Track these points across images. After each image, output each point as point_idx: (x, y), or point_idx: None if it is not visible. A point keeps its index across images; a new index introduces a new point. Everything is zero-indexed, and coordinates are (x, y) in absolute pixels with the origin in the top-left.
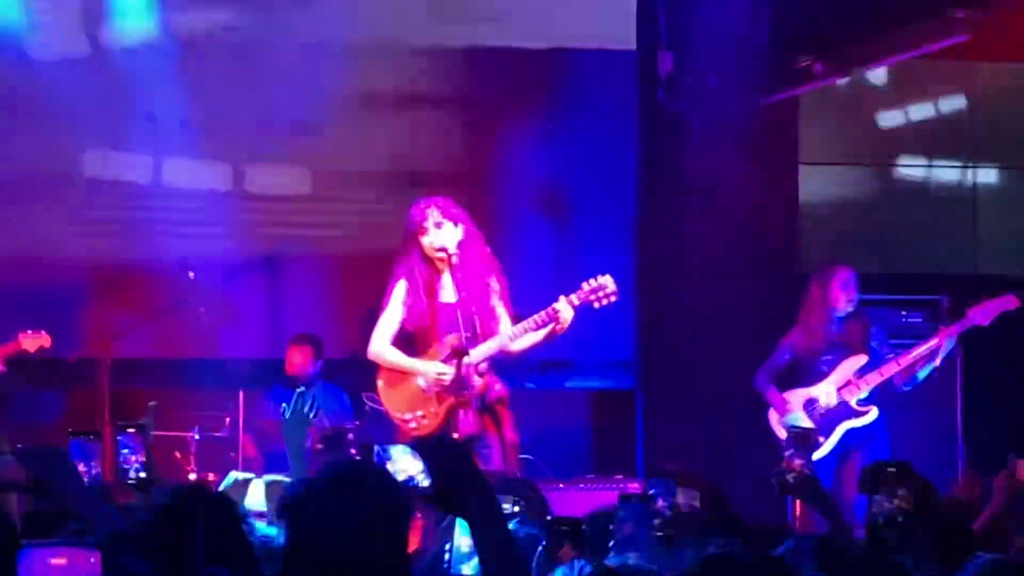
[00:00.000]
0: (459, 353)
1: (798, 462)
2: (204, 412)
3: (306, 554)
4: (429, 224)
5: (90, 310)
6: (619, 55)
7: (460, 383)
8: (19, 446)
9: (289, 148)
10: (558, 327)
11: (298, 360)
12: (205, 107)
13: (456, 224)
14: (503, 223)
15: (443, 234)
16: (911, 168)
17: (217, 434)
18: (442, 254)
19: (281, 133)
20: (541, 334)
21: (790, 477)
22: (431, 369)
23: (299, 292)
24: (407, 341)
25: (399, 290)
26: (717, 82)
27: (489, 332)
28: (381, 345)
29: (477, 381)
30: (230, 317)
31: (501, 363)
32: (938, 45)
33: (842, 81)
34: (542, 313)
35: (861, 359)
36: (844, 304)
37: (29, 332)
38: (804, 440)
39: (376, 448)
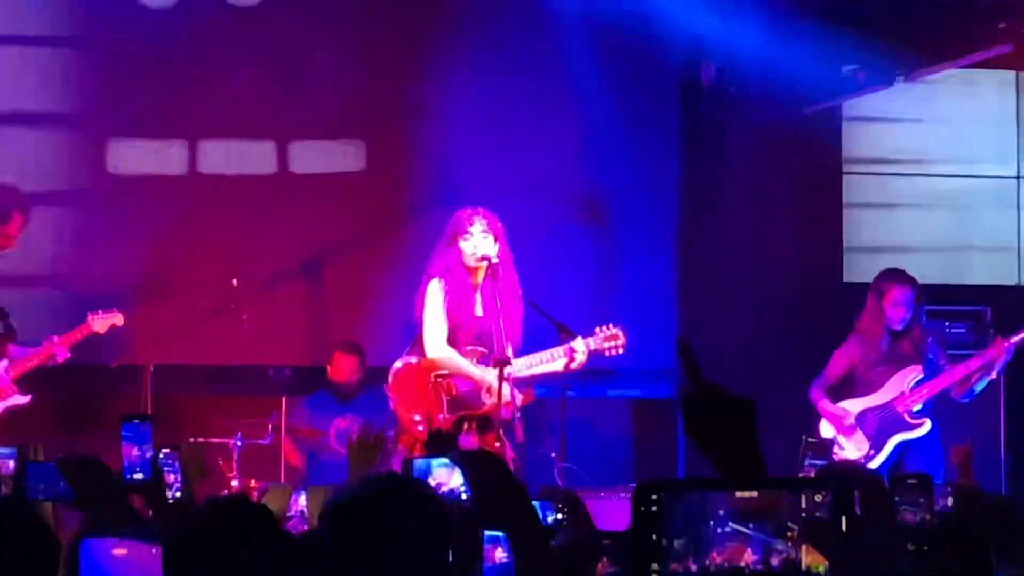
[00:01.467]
0: (501, 364)
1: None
2: (246, 419)
3: (348, 566)
4: (475, 230)
5: (132, 316)
6: (663, 65)
7: (474, 398)
8: (58, 456)
9: (331, 156)
10: (573, 364)
11: (344, 368)
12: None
13: (496, 241)
14: (545, 233)
15: (486, 243)
16: (955, 178)
17: (259, 441)
18: (483, 263)
19: (323, 140)
20: (552, 367)
21: None
22: (487, 379)
23: (342, 299)
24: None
25: (436, 288)
26: (760, 92)
27: (502, 353)
28: (441, 348)
29: (488, 400)
30: (273, 324)
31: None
32: (982, 55)
33: (885, 90)
34: (559, 349)
35: (915, 371)
36: (899, 319)
37: (100, 312)
38: (816, 449)
39: (416, 461)
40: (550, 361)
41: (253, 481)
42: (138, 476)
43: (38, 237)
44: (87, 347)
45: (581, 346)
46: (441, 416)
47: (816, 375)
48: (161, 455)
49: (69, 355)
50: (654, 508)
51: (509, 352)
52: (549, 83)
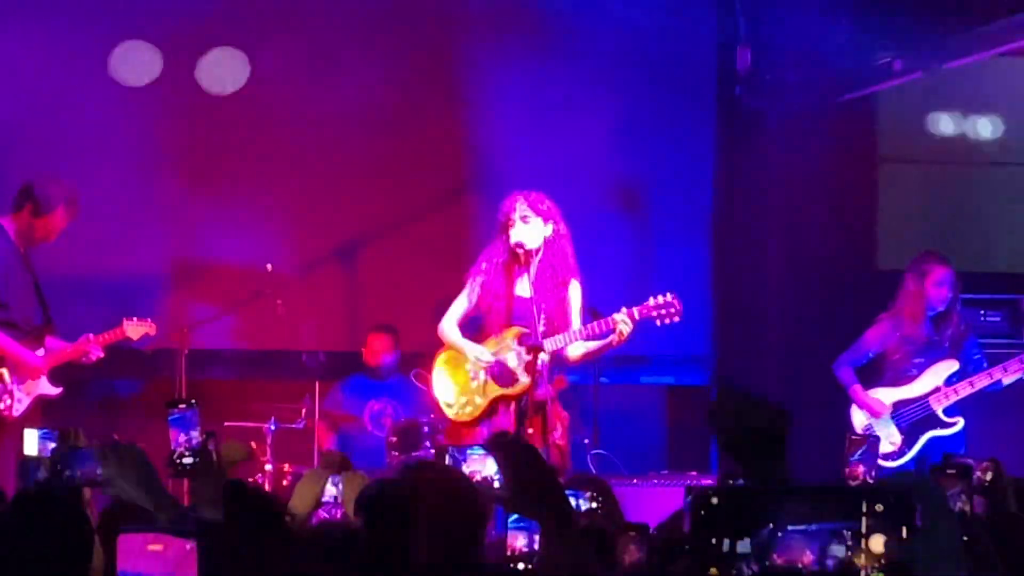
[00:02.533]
0: (535, 349)
1: (861, 469)
2: (280, 403)
3: (384, 551)
4: (516, 217)
5: (167, 301)
6: (697, 50)
7: (509, 378)
8: (95, 442)
9: (362, 142)
10: (615, 339)
11: (379, 347)
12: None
13: (546, 221)
14: (580, 220)
15: (527, 230)
16: (991, 167)
17: (293, 426)
18: (526, 246)
19: (353, 125)
20: (597, 344)
21: (852, 484)
22: (472, 350)
23: (376, 285)
24: (476, 325)
25: (475, 273)
26: (795, 78)
27: (553, 333)
28: (448, 324)
29: (523, 378)
30: (307, 309)
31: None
32: (1018, 43)
33: (921, 77)
34: (600, 323)
35: (952, 365)
36: (939, 302)
37: (135, 320)
38: (866, 446)
39: (451, 449)
40: (587, 337)
41: (287, 465)
42: (187, 460)
43: (76, 222)
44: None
45: (623, 316)
46: (477, 399)
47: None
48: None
49: (103, 355)
50: (713, 512)
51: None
52: (584, 70)
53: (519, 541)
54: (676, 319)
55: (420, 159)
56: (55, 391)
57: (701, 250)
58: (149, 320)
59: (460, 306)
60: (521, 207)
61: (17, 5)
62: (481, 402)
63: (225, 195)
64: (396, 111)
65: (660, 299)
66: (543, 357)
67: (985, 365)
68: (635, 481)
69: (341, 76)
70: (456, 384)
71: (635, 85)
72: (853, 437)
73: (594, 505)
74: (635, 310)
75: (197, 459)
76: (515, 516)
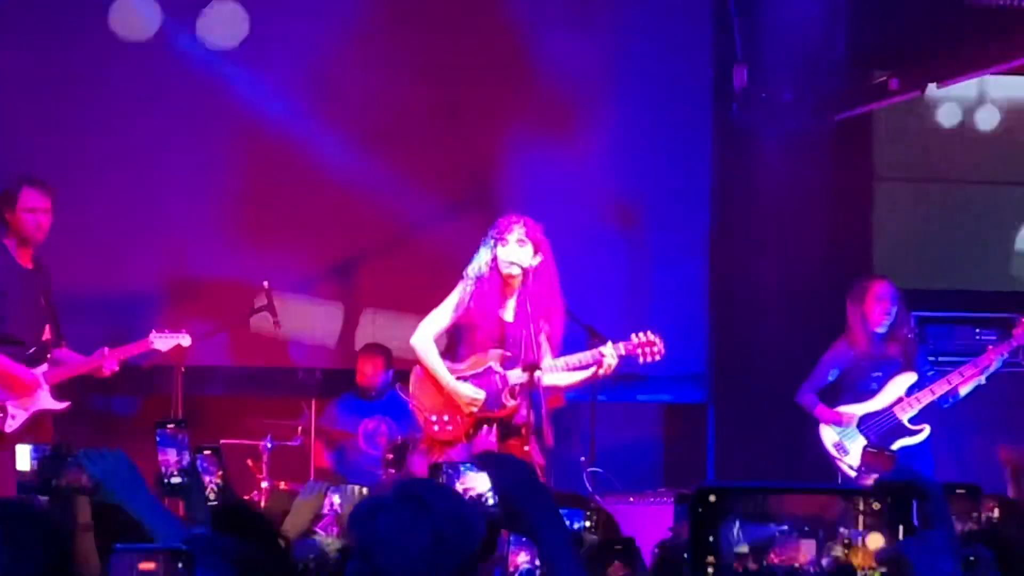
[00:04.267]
0: (531, 367)
1: (870, 481)
2: (276, 421)
3: (373, 572)
4: (512, 237)
5: (163, 318)
6: (694, 69)
7: (494, 400)
8: (80, 449)
9: (362, 159)
10: (600, 371)
11: (369, 370)
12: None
13: (536, 251)
14: (577, 237)
15: (519, 252)
16: (986, 185)
17: (289, 443)
18: (515, 269)
19: (354, 141)
20: (583, 375)
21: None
22: (465, 395)
23: (373, 303)
24: (454, 337)
25: (460, 290)
26: (791, 97)
27: (530, 360)
28: (424, 340)
29: (509, 402)
30: (304, 326)
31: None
32: (1014, 63)
33: (917, 97)
34: (587, 354)
35: (911, 376)
36: (879, 318)
37: (166, 331)
38: (880, 460)
39: (444, 466)
40: (575, 368)
41: (283, 483)
42: (175, 480)
43: (72, 238)
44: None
45: (610, 351)
46: (459, 418)
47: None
48: (198, 457)
49: (117, 368)
50: (711, 510)
51: (547, 360)
52: (582, 89)
53: (520, 557)
54: (657, 358)
55: (418, 178)
56: (60, 406)
57: (698, 268)
58: (184, 331)
59: (440, 321)
60: (519, 229)
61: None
62: (463, 421)
63: (221, 212)
64: (393, 129)
65: (643, 337)
66: (539, 375)
67: (931, 372)
68: (631, 499)
69: (338, 95)
70: (439, 400)
71: (632, 103)
72: (869, 450)
73: (588, 524)
74: (620, 346)
75: (186, 479)
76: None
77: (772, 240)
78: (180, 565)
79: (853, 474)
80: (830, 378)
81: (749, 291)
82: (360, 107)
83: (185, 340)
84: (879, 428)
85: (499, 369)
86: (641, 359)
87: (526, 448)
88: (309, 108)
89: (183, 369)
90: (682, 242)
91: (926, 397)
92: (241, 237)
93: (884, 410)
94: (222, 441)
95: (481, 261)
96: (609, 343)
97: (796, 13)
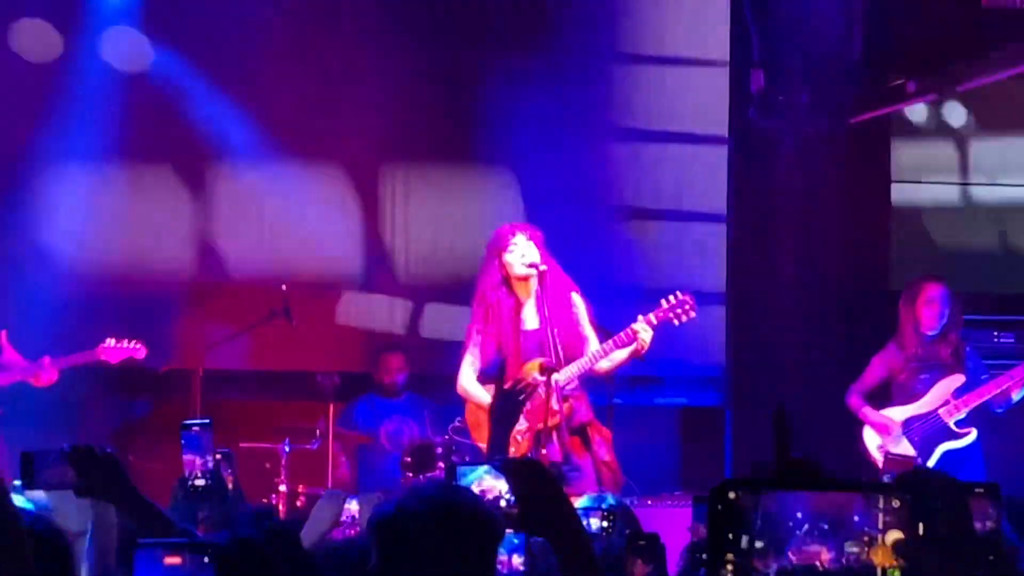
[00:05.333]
0: (548, 371)
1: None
2: (295, 424)
3: (395, 572)
4: (518, 241)
5: (182, 321)
6: (712, 72)
7: (544, 409)
8: (64, 446)
9: (374, 161)
10: (639, 347)
11: (391, 367)
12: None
13: (540, 252)
14: (594, 239)
15: (531, 251)
16: (1004, 187)
17: (307, 447)
18: (531, 270)
19: (365, 144)
20: (623, 354)
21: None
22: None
23: (389, 305)
24: (497, 368)
25: (477, 315)
26: (809, 99)
27: (573, 355)
28: (467, 382)
29: (560, 406)
30: (322, 330)
31: (591, 382)
32: None
33: (935, 100)
34: (621, 334)
35: (958, 379)
36: (931, 321)
37: (118, 342)
38: (902, 466)
39: (460, 468)
40: (613, 349)
41: (301, 487)
42: (199, 483)
43: (90, 240)
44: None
45: (641, 324)
46: (518, 437)
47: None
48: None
49: (56, 378)
50: (730, 507)
51: (594, 344)
52: (600, 92)
53: (514, 561)
54: (692, 315)
55: (433, 177)
56: None
57: (715, 271)
58: (137, 342)
59: (475, 358)
60: (521, 234)
61: None
62: (524, 441)
63: (240, 215)
64: (411, 129)
65: (672, 299)
66: (557, 378)
67: (985, 376)
68: (649, 502)
69: (356, 95)
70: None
71: (650, 107)
72: (891, 457)
73: (606, 524)
74: (651, 316)
75: (210, 481)
76: (511, 537)
77: (789, 243)
78: (205, 559)
79: None
80: (878, 380)
81: (766, 294)
82: (378, 107)
83: (139, 352)
84: (924, 431)
85: (540, 377)
86: (676, 320)
87: (544, 452)
88: (326, 109)
89: (201, 372)
90: (699, 245)
91: (973, 400)
92: (260, 240)
93: (929, 413)
94: (241, 445)
95: (487, 280)
96: (640, 317)
97: (813, 17)
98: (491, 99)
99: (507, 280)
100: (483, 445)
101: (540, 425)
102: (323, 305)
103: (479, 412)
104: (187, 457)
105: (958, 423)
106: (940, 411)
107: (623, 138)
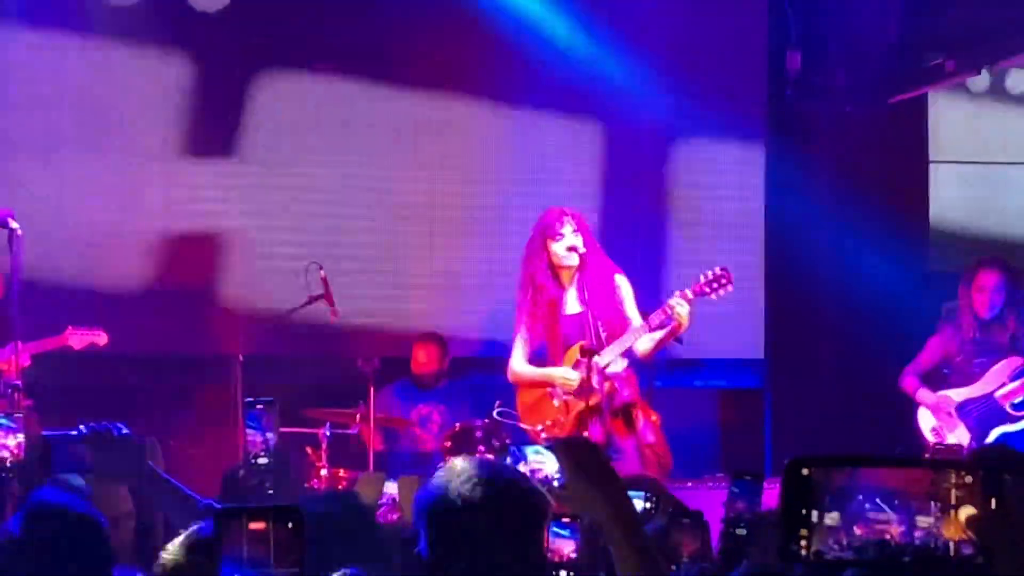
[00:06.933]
0: (588, 353)
1: None
2: (334, 409)
3: (443, 557)
4: (566, 230)
5: (224, 308)
6: (748, 53)
7: (587, 389)
8: (82, 427)
9: (418, 154)
10: (677, 324)
11: (424, 358)
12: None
13: (586, 239)
14: (632, 224)
15: (577, 240)
16: None
17: (348, 431)
18: (574, 255)
19: (414, 137)
20: (661, 333)
21: None
22: (557, 374)
23: (424, 293)
24: (542, 356)
25: (525, 300)
26: (846, 80)
27: (616, 337)
28: (518, 365)
29: (603, 386)
30: (362, 316)
31: (637, 365)
32: None
33: (973, 79)
34: (658, 312)
35: (1015, 361)
36: (985, 306)
37: (83, 328)
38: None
39: (511, 448)
40: (651, 329)
41: (342, 470)
42: (262, 460)
43: (129, 228)
44: (181, 337)
45: (676, 300)
46: (561, 418)
47: (902, 361)
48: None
49: (29, 362)
50: (803, 483)
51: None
52: (636, 73)
53: (566, 548)
54: (730, 288)
55: (473, 170)
56: None
57: (753, 254)
58: (100, 329)
59: (521, 348)
60: (570, 222)
61: None
62: (567, 420)
63: (279, 207)
64: (446, 124)
65: (710, 273)
66: (598, 360)
67: None
68: (689, 484)
69: (384, 85)
70: (541, 411)
71: (687, 88)
72: (938, 447)
73: (648, 505)
74: (687, 291)
75: (271, 460)
76: (558, 523)
77: (827, 224)
78: (290, 524)
79: None
80: (934, 362)
81: (804, 276)
82: (407, 96)
83: (101, 339)
84: (980, 413)
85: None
86: (714, 295)
87: (653, 419)
88: (358, 97)
89: (242, 358)
90: (737, 227)
91: None
92: (297, 226)
93: (985, 396)
94: (281, 430)
95: (532, 265)
96: (676, 293)
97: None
98: (526, 81)
99: (552, 266)
100: (536, 428)
101: (581, 407)
102: (363, 292)
103: (532, 394)
104: (250, 435)
105: (1014, 406)
106: (996, 394)
107: (661, 120)
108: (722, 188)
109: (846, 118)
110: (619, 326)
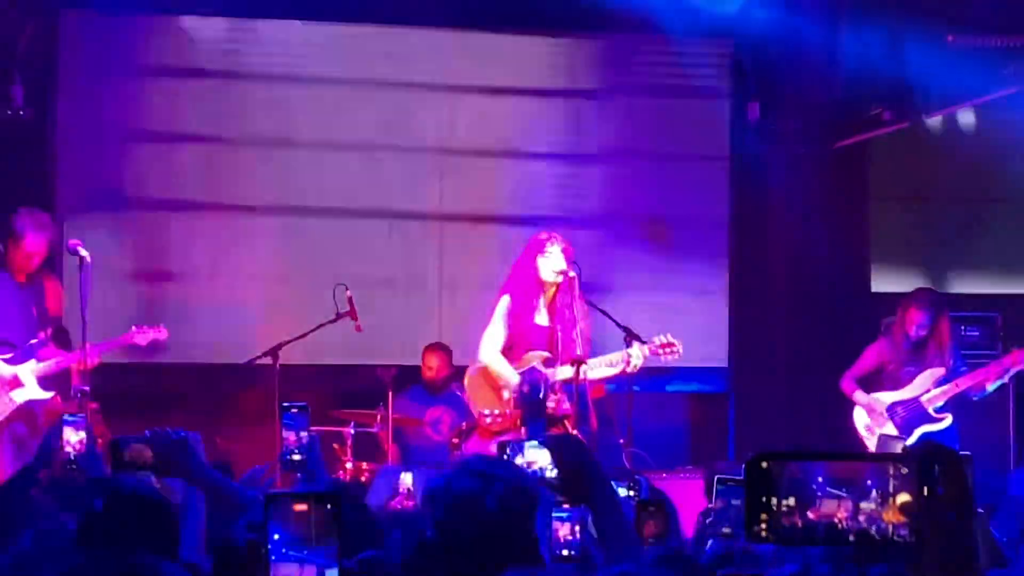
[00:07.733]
0: (577, 363)
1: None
2: (358, 411)
3: (447, 539)
4: (554, 251)
5: (263, 324)
6: (714, 105)
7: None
8: (147, 431)
9: (422, 185)
10: (629, 368)
11: (433, 365)
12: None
13: (569, 265)
14: (615, 253)
15: (562, 262)
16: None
17: (370, 429)
18: (560, 277)
19: (418, 172)
20: (615, 370)
21: None
22: (515, 380)
23: (435, 307)
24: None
25: (504, 303)
26: (798, 127)
27: (567, 357)
28: (493, 355)
29: (551, 398)
30: (381, 328)
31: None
32: (995, 95)
33: (906, 126)
34: (619, 354)
35: (939, 371)
36: (914, 329)
37: (144, 328)
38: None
39: (509, 443)
40: (609, 366)
41: (364, 464)
42: (296, 458)
43: (177, 248)
44: (223, 349)
45: (637, 351)
46: (507, 411)
47: (845, 369)
48: (285, 415)
49: (99, 361)
50: (763, 474)
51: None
52: (615, 123)
53: (563, 531)
54: (675, 357)
55: (469, 203)
56: (45, 395)
57: (719, 278)
58: (161, 326)
59: (498, 335)
60: (557, 243)
61: None
62: (511, 415)
63: (308, 230)
64: (451, 161)
65: (663, 339)
66: (584, 368)
67: (964, 369)
68: (664, 475)
69: (408, 121)
70: (488, 398)
71: (660, 135)
72: (884, 438)
73: (631, 494)
74: (645, 347)
75: (305, 456)
76: (559, 507)
77: (782, 252)
78: (329, 506)
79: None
80: (869, 368)
81: (763, 297)
82: (416, 125)
83: (162, 334)
84: (907, 414)
85: (543, 369)
86: (662, 358)
87: (574, 432)
88: (375, 122)
89: (279, 367)
90: (706, 255)
91: (951, 390)
92: (326, 250)
93: (912, 399)
94: (312, 428)
95: (520, 274)
96: (635, 344)
97: (802, 57)
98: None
99: (536, 279)
100: (483, 411)
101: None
102: (382, 306)
103: (483, 380)
104: (285, 434)
105: (936, 409)
106: (923, 398)
107: (638, 165)
108: (693, 221)
109: (799, 160)
110: (573, 348)
